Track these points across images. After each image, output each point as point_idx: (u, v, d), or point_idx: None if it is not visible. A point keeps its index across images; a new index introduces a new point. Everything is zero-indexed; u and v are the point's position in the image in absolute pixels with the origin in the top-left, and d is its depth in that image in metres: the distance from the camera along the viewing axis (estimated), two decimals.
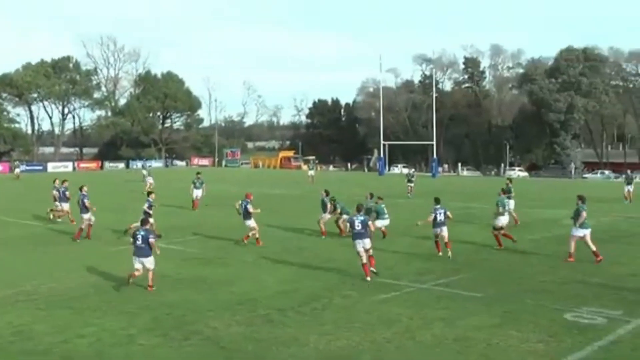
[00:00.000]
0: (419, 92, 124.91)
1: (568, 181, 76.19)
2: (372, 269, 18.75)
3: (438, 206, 22.21)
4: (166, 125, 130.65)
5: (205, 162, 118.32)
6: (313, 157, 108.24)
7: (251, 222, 24.60)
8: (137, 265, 17.42)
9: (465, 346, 12.62)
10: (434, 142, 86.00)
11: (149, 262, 17.49)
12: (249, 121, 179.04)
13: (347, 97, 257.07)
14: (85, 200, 26.19)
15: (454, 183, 66.09)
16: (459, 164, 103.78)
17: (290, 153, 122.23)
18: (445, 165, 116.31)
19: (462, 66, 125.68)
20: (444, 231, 22.12)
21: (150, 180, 49.73)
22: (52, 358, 12.16)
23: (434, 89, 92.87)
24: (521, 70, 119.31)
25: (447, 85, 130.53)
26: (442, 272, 19.56)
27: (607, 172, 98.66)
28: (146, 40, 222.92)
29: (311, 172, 65.16)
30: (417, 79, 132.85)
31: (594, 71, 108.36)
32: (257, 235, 24.80)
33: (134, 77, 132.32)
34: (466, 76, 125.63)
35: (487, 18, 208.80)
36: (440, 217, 21.97)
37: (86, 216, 26.15)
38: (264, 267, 20.56)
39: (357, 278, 18.64)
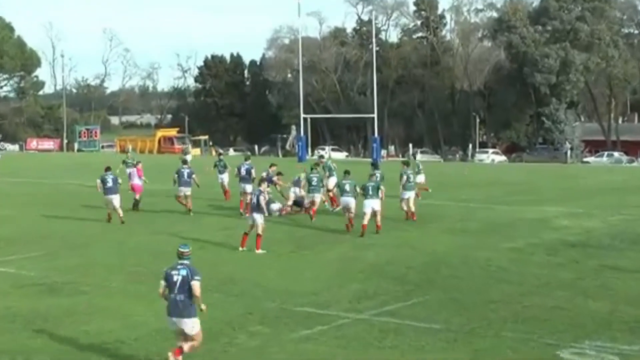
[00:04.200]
0: (354, 45, 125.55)
1: (562, 167, 77.69)
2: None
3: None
4: None
5: (48, 144, 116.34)
6: (187, 136, 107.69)
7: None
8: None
9: None
10: (375, 115, 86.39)
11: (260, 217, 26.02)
12: (112, 86, 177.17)
13: (252, 52, 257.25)
14: (252, 171, 35.16)
15: None
16: (411, 145, 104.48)
17: (173, 131, 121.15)
18: (392, 147, 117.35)
19: (413, 8, 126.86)
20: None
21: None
22: None
23: (373, 40, 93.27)
24: (495, 14, 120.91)
25: (393, 36, 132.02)
26: (388, 296, 19.63)
27: (616, 153, 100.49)
28: None
29: (188, 157, 64.07)
30: (350, 26, 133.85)
31: (597, 15, 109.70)
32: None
33: None
34: (419, 22, 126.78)
35: None
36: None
37: (248, 188, 34.08)
38: (136, 294, 20.23)
39: (269, 307, 18.53)
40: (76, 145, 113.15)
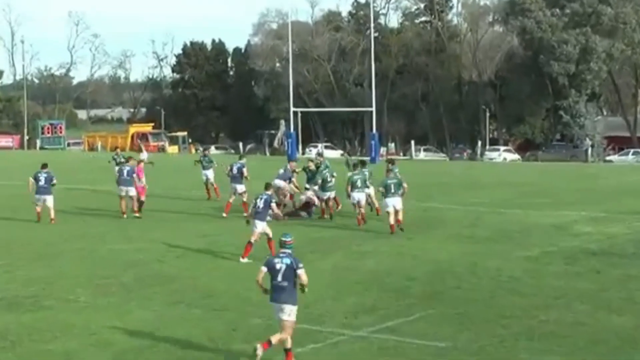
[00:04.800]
0: (350, 31, 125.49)
1: (582, 166, 77.70)
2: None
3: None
4: None
5: (7, 141, 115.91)
6: (163, 131, 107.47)
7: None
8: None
9: None
10: (374, 109, 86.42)
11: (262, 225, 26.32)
12: (79, 77, 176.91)
13: (237, 38, 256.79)
14: (244, 170, 36.34)
15: (406, 172, 66.64)
16: (413, 142, 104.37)
17: (148, 127, 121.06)
18: (392, 145, 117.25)
19: None
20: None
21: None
22: None
23: (372, 25, 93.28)
24: None
25: (394, 20, 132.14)
26: (388, 311, 19.63)
27: None
28: None
29: (143, 156, 63.17)
30: (345, 9, 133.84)
31: None
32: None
33: None
34: (422, 5, 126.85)
35: None
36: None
37: (240, 187, 35.95)
38: (106, 308, 20.22)
39: (255, 322, 18.47)
40: (38, 143, 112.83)
